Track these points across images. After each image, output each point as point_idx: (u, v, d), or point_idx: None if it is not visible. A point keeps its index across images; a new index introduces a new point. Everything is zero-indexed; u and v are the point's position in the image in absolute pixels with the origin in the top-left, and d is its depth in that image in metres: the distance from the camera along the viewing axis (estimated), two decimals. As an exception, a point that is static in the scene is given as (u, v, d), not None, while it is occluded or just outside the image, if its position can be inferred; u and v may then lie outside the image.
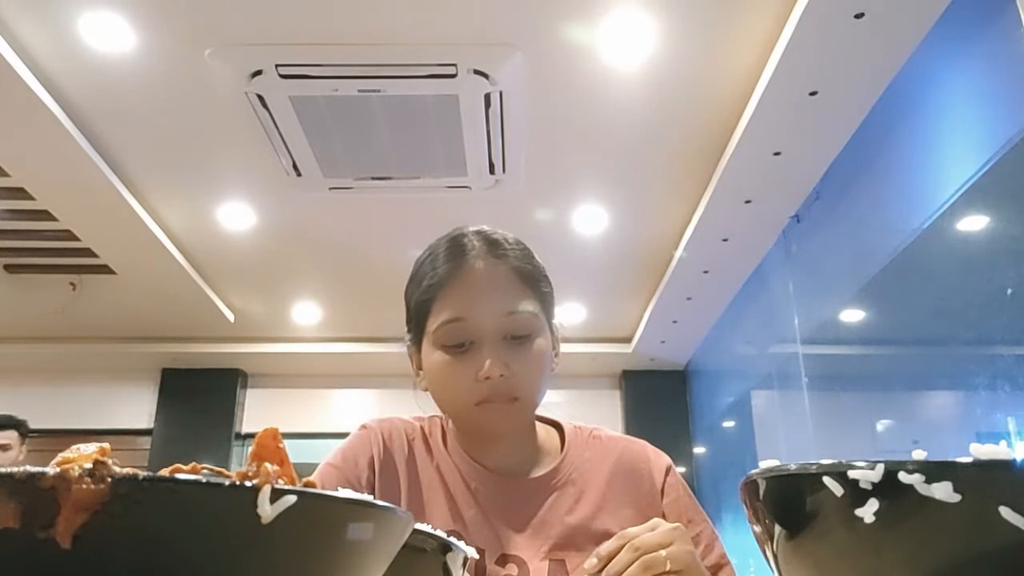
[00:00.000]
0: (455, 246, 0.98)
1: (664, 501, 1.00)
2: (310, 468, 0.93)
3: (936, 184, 2.83)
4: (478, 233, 0.99)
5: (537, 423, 1.06)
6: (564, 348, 1.04)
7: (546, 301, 1.00)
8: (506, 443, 1.00)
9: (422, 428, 1.04)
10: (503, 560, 0.92)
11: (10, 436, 3.25)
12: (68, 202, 3.81)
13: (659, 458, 1.05)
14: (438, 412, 1.09)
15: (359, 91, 3.05)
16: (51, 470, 0.31)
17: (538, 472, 1.00)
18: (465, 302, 0.94)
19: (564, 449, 1.03)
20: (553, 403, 1.00)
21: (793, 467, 0.39)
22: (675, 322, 5.14)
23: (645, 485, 1.01)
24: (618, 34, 2.83)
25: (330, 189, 3.77)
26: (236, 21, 2.78)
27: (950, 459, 0.35)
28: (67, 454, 0.34)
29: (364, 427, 1.01)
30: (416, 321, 0.98)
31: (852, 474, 0.36)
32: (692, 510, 1.00)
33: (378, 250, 4.43)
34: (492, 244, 0.98)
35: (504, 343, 0.93)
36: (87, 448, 0.34)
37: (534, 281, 0.98)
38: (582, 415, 1.10)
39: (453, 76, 2.98)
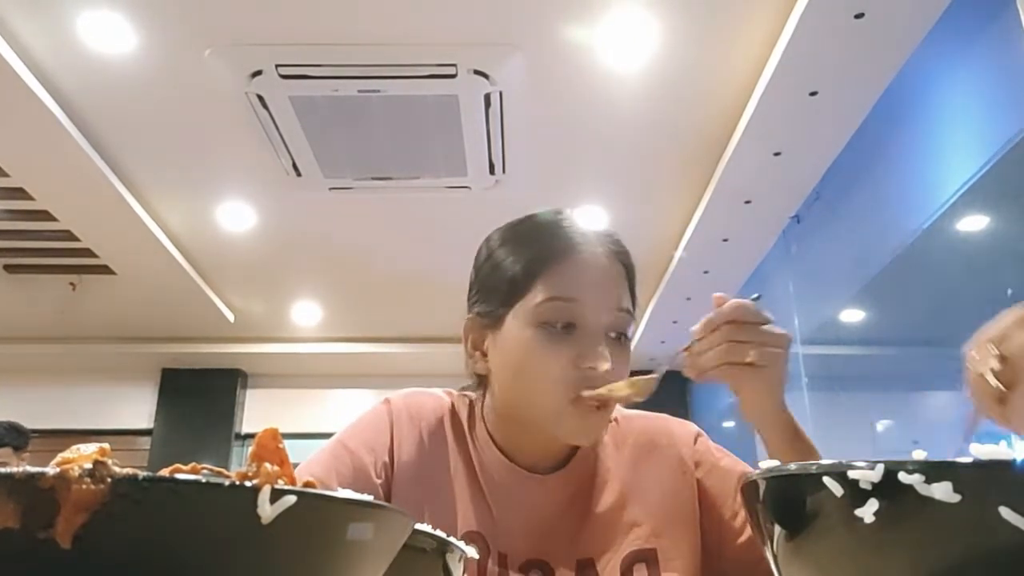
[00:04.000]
0: (562, 225, 0.90)
1: (699, 474, 0.93)
2: (310, 468, 0.91)
3: (936, 184, 2.83)
4: (579, 222, 0.92)
5: None
6: None
7: (635, 307, 0.93)
8: (546, 442, 0.91)
9: (452, 407, 0.95)
10: (527, 567, 0.87)
11: (4, 453, 3.13)
12: (68, 202, 3.81)
13: (684, 429, 0.98)
14: (467, 392, 1.00)
15: (359, 91, 3.05)
16: (51, 470, 0.31)
17: (562, 467, 0.93)
18: (581, 283, 0.85)
19: None
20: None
21: (793, 467, 0.39)
22: (675, 322, 5.14)
23: (670, 461, 0.94)
24: (618, 34, 2.83)
25: (330, 189, 3.77)
26: (236, 21, 2.78)
27: (950, 459, 0.35)
28: (67, 454, 0.34)
29: (387, 402, 0.94)
30: (506, 293, 0.87)
31: (852, 474, 0.36)
32: (729, 460, 0.95)
33: (378, 250, 4.43)
34: (603, 234, 0.92)
35: (608, 340, 0.85)
36: (87, 448, 0.34)
37: (634, 284, 0.93)
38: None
39: (453, 76, 2.98)
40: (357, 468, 0.87)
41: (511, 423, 0.91)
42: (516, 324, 0.86)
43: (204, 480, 0.32)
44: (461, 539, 0.78)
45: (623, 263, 0.91)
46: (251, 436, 4.50)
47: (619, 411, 1.00)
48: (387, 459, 0.89)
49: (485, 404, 0.94)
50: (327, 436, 0.94)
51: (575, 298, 0.85)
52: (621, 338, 0.87)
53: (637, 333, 5.41)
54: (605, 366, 0.83)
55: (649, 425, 0.99)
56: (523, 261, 0.87)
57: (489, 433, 0.93)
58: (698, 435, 0.98)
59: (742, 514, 0.90)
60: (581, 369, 0.83)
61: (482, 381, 0.94)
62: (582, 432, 0.85)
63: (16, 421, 3.28)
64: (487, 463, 0.91)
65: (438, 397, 0.96)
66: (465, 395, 0.98)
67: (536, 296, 0.85)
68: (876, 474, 0.35)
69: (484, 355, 0.91)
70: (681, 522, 0.90)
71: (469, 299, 0.94)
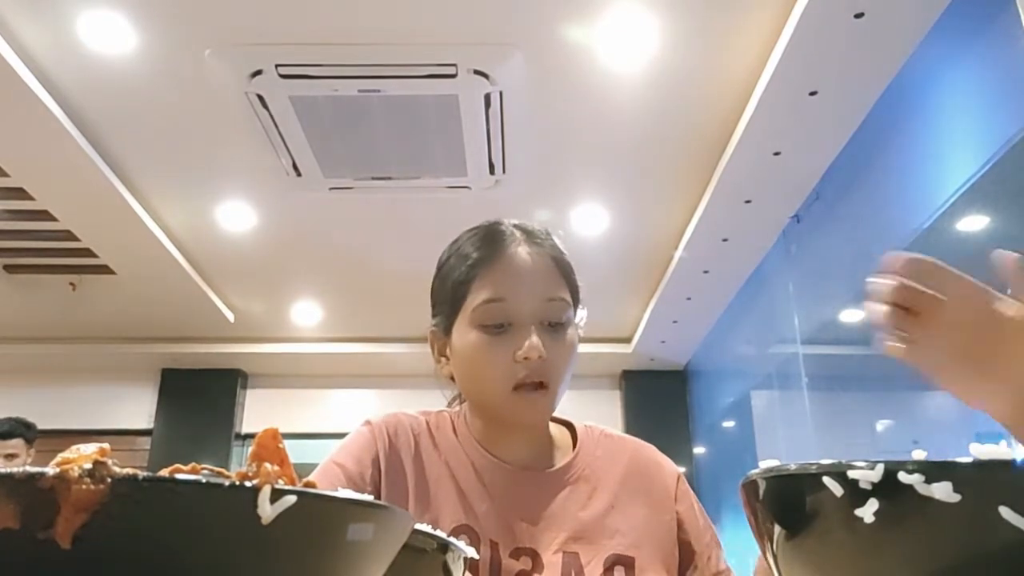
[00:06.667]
0: (494, 232, 1.00)
1: (679, 507, 1.01)
2: (310, 468, 0.92)
3: (936, 184, 2.83)
4: (514, 224, 1.02)
5: (549, 421, 1.06)
6: None
7: (576, 294, 1.02)
8: (523, 435, 1.00)
9: (427, 422, 1.03)
10: (517, 553, 0.92)
11: (16, 445, 3.22)
12: (68, 202, 3.81)
13: (670, 465, 1.07)
14: (444, 408, 1.08)
15: (359, 91, 3.05)
16: (51, 470, 0.31)
17: (551, 467, 1.00)
18: (507, 283, 0.95)
19: (577, 446, 1.03)
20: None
21: (793, 467, 0.39)
22: (675, 322, 5.14)
23: (657, 487, 1.02)
24: (618, 34, 2.83)
25: (330, 189, 3.77)
26: (236, 21, 2.78)
27: (950, 459, 0.35)
28: (67, 454, 0.33)
29: (367, 423, 1.01)
30: (451, 302, 0.98)
31: (852, 474, 0.36)
32: (703, 518, 1.03)
33: (378, 250, 4.43)
34: (530, 233, 1.00)
35: (541, 328, 0.94)
36: (87, 448, 0.34)
37: (568, 272, 1.01)
38: (582, 415, 1.10)
39: (453, 76, 2.98)
40: (349, 478, 0.93)
41: (487, 421, 1.00)
42: (462, 329, 0.96)
43: (204, 480, 0.32)
44: (451, 534, 0.84)
45: (552, 256, 0.99)
46: (251, 436, 4.50)
47: (613, 431, 1.08)
48: (373, 469, 0.96)
49: (465, 410, 1.03)
50: (327, 436, 0.97)
51: (504, 298, 0.94)
52: (557, 326, 0.95)
53: (637, 333, 5.41)
54: (536, 354, 0.91)
55: (641, 450, 1.07)
56: (459, 272, 0.98)
57: (475, 436, 1.01)
58: (680, 475, 1.06)
59: (717, 567, 0.99)
60: (518, 362, 0.92)
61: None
62: (524, 413, 0.94)
63: (21, 417, 3.34)
64: (476, 463, 0.98)
65: (413, 415, 1.04)
66: (443, 412, 1.06)
67: (473, 301, 0.95)
68: (876, 474, 0.35)
69: (448, 360, 1.01)
70: (659, 541, 0.97)
71: (431, 312, 1.04)
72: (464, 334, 0.96)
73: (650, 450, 1.08)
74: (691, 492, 1.05)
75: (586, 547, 0.93)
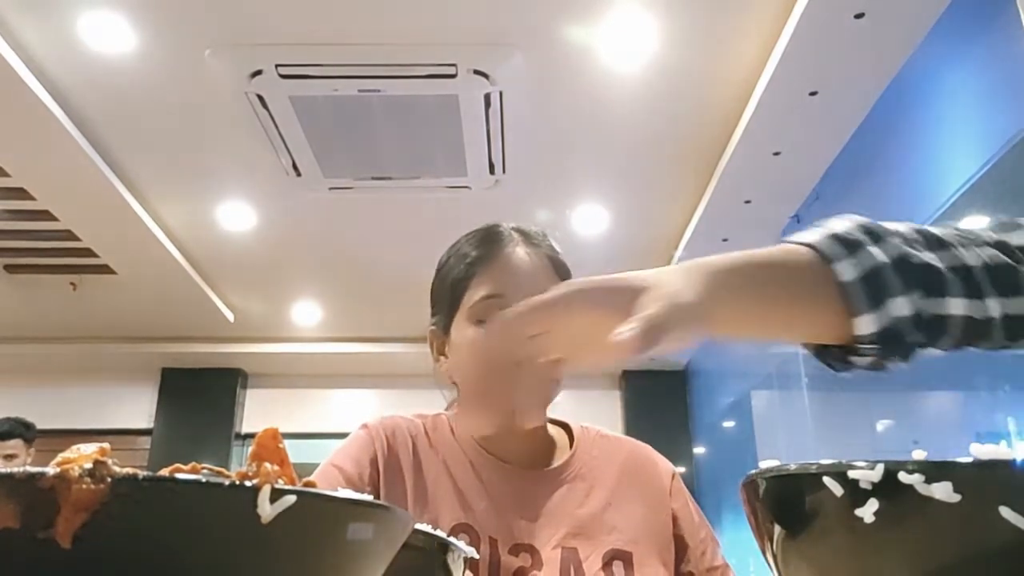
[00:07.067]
0: (492, 233, 1.02)
1: (674, 504, 1.03)
2: (310, 468, 0.93)
3: (936, 184, 2.83)
4: (511, 226, 1.04)
5: (547, 422, 1.07)
6: None
7: None
8: (520, 432, 1.01)
9: (424, 424, 1.05)
10: (516, 549, 0.93)
11: (15, 445, 3.23)
12: (68, 202, 3.81)
13: (665, 464, 1.08)
14: (441, 411, 1.09)
15: (359, 91, 3.05)
16: (51, 470, 0.31)
17: (549, 466, 1.02)
18: (505, 280, 0.97)
19: (574, 446, 1.05)
20: (553, 403, 1.00)
21: (793, 467, 0.39)
22: (675, 322, 5.14)
23: (653, 485, 1.03)
24: (618, 34, 2.83)
25: (330, 189, 3.77)
26: (236, 21, 2.78)
27: (950, 459, 0.35)
28: (67, 454, 0.33)
29: (365, 426, 1.02)
30: (450, 300, 1.00)
31: (852, 474, 0.36)
32: (698, 515, 1.04)
33: (378, 250, 4.44)
34: (527, 234, 1.03)
35: None
36: (87, 448, 0.34)
37: (565, 273, 1.03)
38: (582, 415, 1.11)
39: (453, 76, 2.98)
40: (348, 479, 0.94)
41: (487, 414, 1.00)
42: (462, 325, 0.99)
43: (204, 480, 0.32)
44: (450, 533, 0.86)
45: (548, 256, 1.02)
46: (251, 436, 4.50)
47: (609, 432, 1.10)
48: (372, 470, 0.97)
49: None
50: (327, 436, 0.97)
51: (502, 294, 0.96)
52: None
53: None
54: None
55: (636, 450, 1.08)
56: (458, 271, 1.00)
57: (473, 436, 1.02)
58: (675, 473, 1.07)
59: (712, 562, 1.00)
60: None
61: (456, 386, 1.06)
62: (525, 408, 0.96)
63: (21, 417, 3.33)
64: (474, 461, 1.00)
65: (410, 418, 1.05)
66: (440, 414, 1.07)
67: (472, 298, 0.98)
68: (876, 474, 0.35)
69: (447, 358, 1.03)
70: (656, 537, 0.98)
71: (431, 312, 1.06)
72: (463, 330, 0.98)
73: (646, 449, 1.09)
74: (685, 490, 1.06)
75: (584, 542, 0.94)
